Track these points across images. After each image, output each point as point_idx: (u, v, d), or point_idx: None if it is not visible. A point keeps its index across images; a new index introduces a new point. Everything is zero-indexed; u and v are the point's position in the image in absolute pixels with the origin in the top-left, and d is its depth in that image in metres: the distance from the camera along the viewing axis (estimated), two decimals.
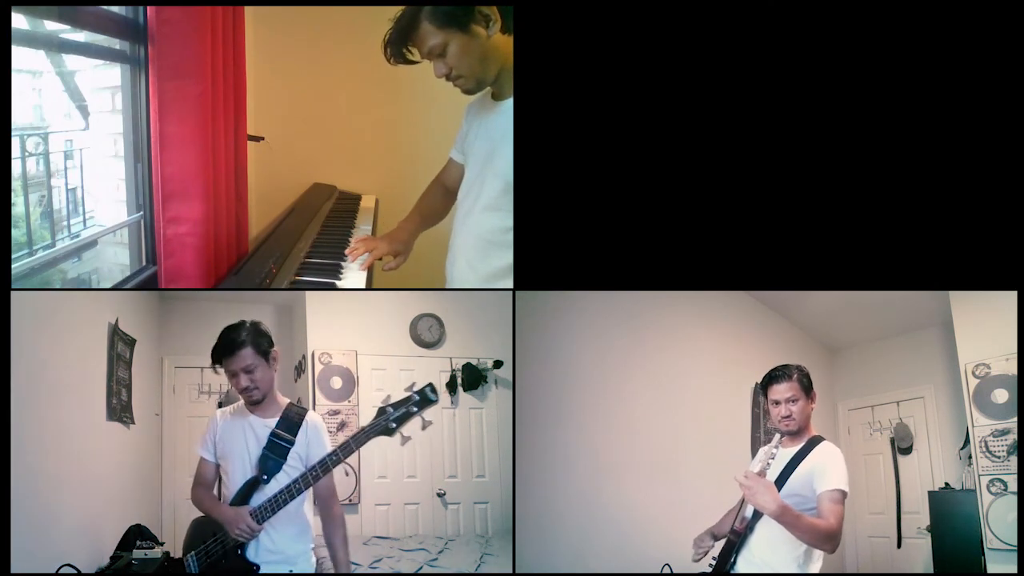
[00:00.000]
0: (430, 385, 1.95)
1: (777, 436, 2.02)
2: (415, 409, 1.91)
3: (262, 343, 1.97)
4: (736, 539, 2.00)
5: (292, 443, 1.97)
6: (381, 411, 1.92)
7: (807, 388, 2.07)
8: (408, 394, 1.92)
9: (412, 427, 1.91)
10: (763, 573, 1.96)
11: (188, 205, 2.23)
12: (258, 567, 1.93)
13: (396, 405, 1.92)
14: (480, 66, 1.97)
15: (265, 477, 1.95)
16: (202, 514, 2.04)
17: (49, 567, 2.03)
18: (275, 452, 1.97)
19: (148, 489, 3.17)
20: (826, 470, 1.96)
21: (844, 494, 1.94)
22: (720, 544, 2.06)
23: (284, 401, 2.06)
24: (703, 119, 2.30)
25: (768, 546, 1.97)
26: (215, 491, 2.09)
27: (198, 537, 2.00)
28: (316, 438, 2.02)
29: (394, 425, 1.91)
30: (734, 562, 2.00)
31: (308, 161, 3.99)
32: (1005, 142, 2.27)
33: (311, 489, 1.98)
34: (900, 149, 2.29)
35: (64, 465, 2.24)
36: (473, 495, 3.64)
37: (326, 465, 1.94)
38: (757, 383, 2.16)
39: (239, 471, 1.98)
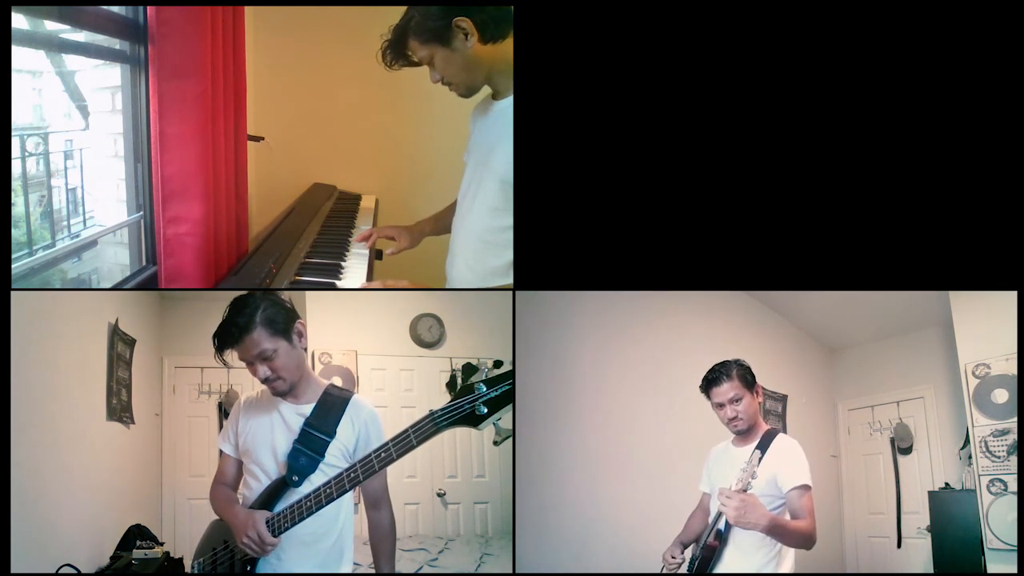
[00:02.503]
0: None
1: (756, 453, 1.97)
2: (510, 383, 1.39)
3: (278, 320, 1.61)
4: (710, 554, 1.97)
5: (331, 436, 1.62)
6: (466, 389, 1.44)
7: (750, 384, 2.03)
8: (504, 370, 1.40)
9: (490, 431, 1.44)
10: (752, 574, 1.95)
11: (188, 205, 2.22)
12: None
13: (491, 381, 1.41)
14: (465, 75, 2.01)
15: (295, 479, 1.61)
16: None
17: (49, 567, 2.03)
18: (309, 447, 1.61)
19: (148, 489, 3.16)
20: (789, 467, 1.95)
21: (810, 487, 1.93)
22: (692, 550, 2.04)
23: (322, 383, 1.73)
24: (703, 119, 2.29)
25: (742, 555, 1.96)
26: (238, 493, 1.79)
27: (210, 542, 1.71)
28: (366, 429, 1.67)
29: (485, 410, 1.41)
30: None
31: (308, 161, 3.99)
32: (1005, 142, 2.27)
33: (357, 499, 1.65)
34: (900, 149, 2.29)
35: (64, 465, 2.24)
36: (473, 495, 3.64)
37: (370, 465, 1.52)
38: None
39: (265, 470, 1.66)
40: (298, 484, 1.63)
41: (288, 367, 1.64)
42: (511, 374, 1.41)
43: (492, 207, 2.06)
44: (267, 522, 1.58)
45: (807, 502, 1.91)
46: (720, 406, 2.04)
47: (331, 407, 1.66)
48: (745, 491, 1.87)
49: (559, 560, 2.47)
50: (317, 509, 1.58)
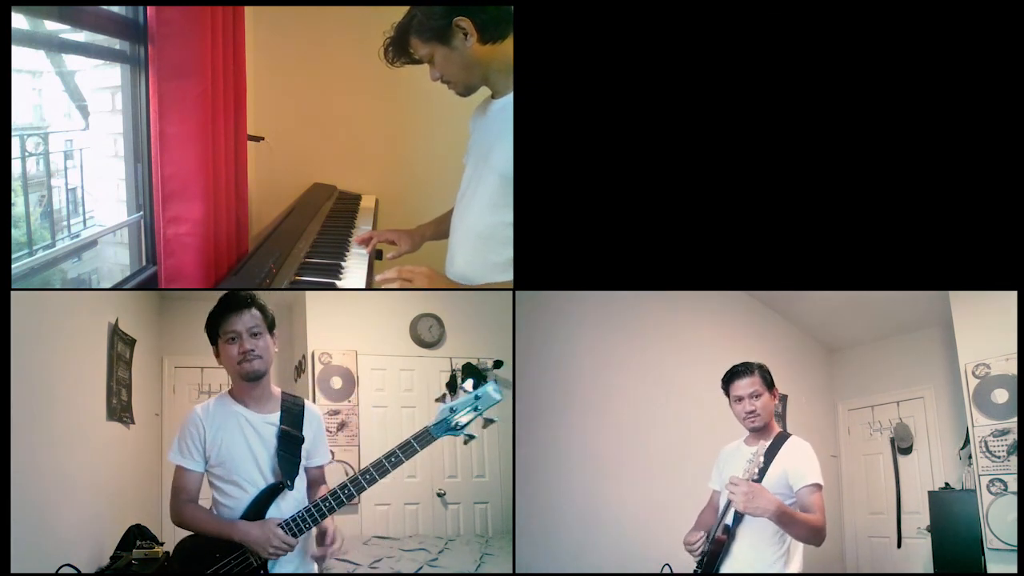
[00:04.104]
0: (493, 383, 1.82)
1: (762, 444, 2.00)
2: (478, 408, 1.80)
3: (268, 312, 1.83)
4: (719, 548, 1.99)
5: (302, 439, 1.81)
6: (451, 410, 1.81)
7: (769, 384, 2.07)
8: (470, 393, 1.80)
9: (474, 426, 1.83)
10: (759, 573, 1.96)
11: (188, 205, 2.22)
12: None
13: (459, 405, 1.80)
14: (464, 74, 2.05)
15: (289, 482, 1.77)
16: (189, 534, 1.78)
17: (49, 567, 2.03)
18: (290, 452, 1.78)
19: (148, 489, 3.16)
20: (801, 467, 1.97)
21: (821, 487, 1.96)
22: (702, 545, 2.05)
23: (277, 391, 1.88)
24: (703, 119, 2.30)
25: (751, 550, 1.97)
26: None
27: (196, 560, 1.73)
28: (319, 432, 1.88)
29: (461, 423, 1.79)
30: (718, 571, 1.99)
31: (308, 161, 3.99)
32: (1005, 142, 2.27)
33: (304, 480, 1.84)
34: (900, 149, 2.29)
35: (64, 465, 2.24)
36: (473, 495, 3.64)
37: (384, 468, 1.76)
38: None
39: (247, 478, 1.77)
40: (292, 488, 1.79)
41: (267, 353, 1.81)
42: (471, 400, 1.79)
43: (491, 203, 2.07)
44: (285, 527, 1.72)
45: (818, 499, 1.93)
46: (739, 400, 2.07)
47: (294, 412, 1.83)
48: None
49: (559, 560, 2.47)
50: (338, 508, 1.75)
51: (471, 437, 1.81)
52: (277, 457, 1.77)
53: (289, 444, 1.78)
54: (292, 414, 1.82)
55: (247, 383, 1.80)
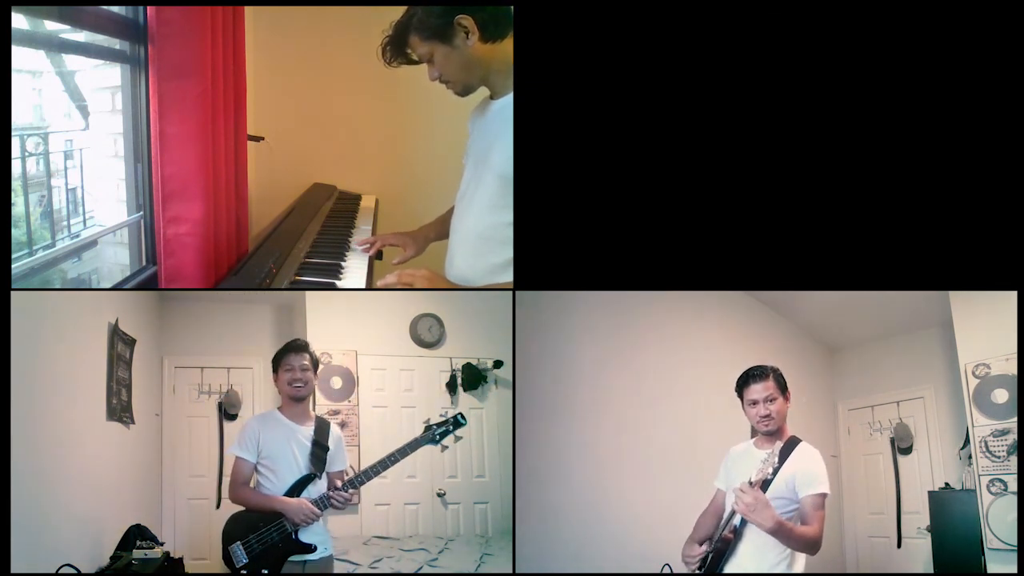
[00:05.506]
0: (460, 413, 2.41)
1: (777, 444, 2.01)
2: (452, 428, 2.39)
3: (315, 356, 2.35)
4: (725, 547, 2.00)
5: (328, 448, 2.30)
6: (428, 428, 2.37)
7: (783, 387, 2.08)
8: (446, 418, 2.40)
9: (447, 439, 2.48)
10: (759, 574, 1.97)
11: (188, 205, 2.23)
12: (315, 547, 2.23)
13: (439, 424, 2.37)
14: (463, 73, 2.05)
15: (318, 475, 2.28)
16: (240, 509, 2.25)
17: (49, 567, 2.03)
18: (319, 455, 2.29)
19: (148, 489, 3.16)
20: (809, 474, 1.98)
21: (826, 496, 1.97)
22: (706, 546, 2.06)
23: (312, 413, 2.38)
24: (704, 119, 2.30)
25: (756, 551, 1.98)
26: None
27: (240, 528, 2.21)
28: (339, 445, 2.36)
29: (439, 438, 2.39)
30: (723, 570, 2.01)
31: (308, 161, 3.99)
32: (1005, 142, 2.27)
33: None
34: (900, 149, 2.29)
35: (64, 465, 2.24)
36: (473, 495, 3.64)
37: (386, 464, 2.31)
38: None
39: (286, 470, 2.26)
40: (320, 478, 2.28)
41: (311, 382, 2.33)
42: (447, 422, 2.38)
43: (491, 204, 2.07)
44: (313, 503, 2.22)
45: (819, 512, 1.94)
46: (753, 403, 2.07)
47: (324, 428, 2.33)
48: (765, 483, 1.91)
49: (559, 560, 2.47)
50: (351, 489, 2.29)
51: (445, 447, 2.57)
52: (311, 457, 2.27)
53: (319, 450, 2.29)
54: (322, 430, 2.32)
55: (294, 403, 2.30)
